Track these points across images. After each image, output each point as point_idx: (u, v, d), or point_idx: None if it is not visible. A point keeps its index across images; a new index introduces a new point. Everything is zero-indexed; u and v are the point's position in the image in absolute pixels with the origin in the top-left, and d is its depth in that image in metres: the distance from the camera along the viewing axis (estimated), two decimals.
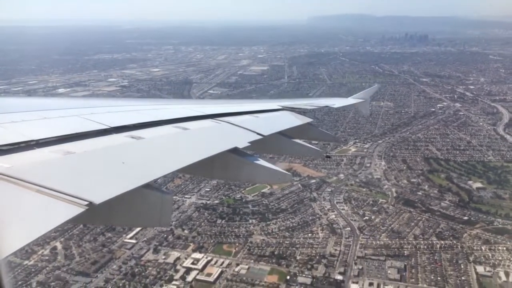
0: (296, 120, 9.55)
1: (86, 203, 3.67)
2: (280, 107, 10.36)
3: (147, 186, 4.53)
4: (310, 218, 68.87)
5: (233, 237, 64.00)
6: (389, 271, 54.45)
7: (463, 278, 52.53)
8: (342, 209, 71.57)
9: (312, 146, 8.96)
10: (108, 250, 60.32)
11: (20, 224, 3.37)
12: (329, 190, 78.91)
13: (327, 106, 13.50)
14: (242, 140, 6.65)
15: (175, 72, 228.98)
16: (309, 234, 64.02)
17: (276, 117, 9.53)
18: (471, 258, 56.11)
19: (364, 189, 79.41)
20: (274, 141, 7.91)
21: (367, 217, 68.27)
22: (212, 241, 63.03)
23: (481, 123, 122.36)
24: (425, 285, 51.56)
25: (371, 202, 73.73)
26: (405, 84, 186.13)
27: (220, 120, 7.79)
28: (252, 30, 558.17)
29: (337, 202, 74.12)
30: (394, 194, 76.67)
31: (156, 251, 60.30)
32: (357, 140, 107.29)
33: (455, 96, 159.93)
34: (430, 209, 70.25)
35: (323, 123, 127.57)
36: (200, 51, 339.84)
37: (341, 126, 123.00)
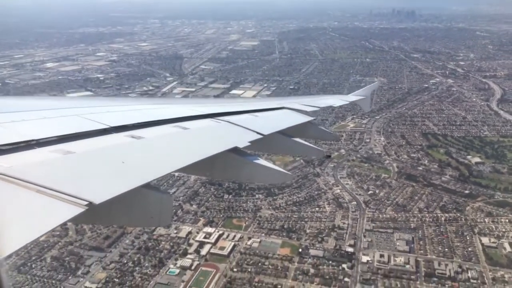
0: (296, 119, 9.47)
1: (86, 203, 3.66)
2: (280, 106, 10.27)
3: (147, 186, 4.54)
4: (316, 193, 69.89)
5: (242, 211, 64.77)
6: (397, 243, 55.99)
7: (469, 249, 54.41)
8: (346, 183, 72.77)
9: (313, 145, 8.91)
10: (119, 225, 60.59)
11: (20, 224, 3.34)
12: (332, 165, 79.86)
13: (330, 106, 13.49)
14: (242, 140, 6.62)
15: (164, 46, 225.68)
16: (316, 208, 65.12)
17: (276, 116, 9.48)
18: (475, 230, 58.00)
19: (366, 164, 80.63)
20: (274, 140, 7.84)
21: (371, 192, 69.60)
22: (221, 215, 63.75)
23: (474, 99, 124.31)
24: (434, 256, 53.27)
25: (374, 177, 75.03)
26: (396, 60, 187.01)
27: (220, 120, 7.73)
28: (236, 4, 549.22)
29: (340, 177, 75.25)
30: (396, 169, 78.05)
31: (167, 225, 60.73)
32: (354, 116, 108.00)
33: (447, 72, 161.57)
34: (432, 183, 71.90)
35: None
36: (188, 25, 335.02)
37: None
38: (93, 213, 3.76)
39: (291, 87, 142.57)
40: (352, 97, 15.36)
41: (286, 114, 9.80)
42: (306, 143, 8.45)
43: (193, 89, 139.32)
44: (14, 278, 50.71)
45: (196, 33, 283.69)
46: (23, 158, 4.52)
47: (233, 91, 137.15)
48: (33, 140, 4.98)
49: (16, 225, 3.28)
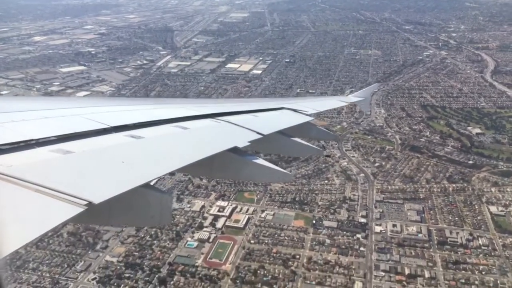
0: (296, 119, 9.48)
1: (86, 202, 3.64)
2: (280, 107, 10.30)
3: (146, 185, 4.54)
4: (323, 166, 70.73)
5: (252, 185, 65.30)
6: (409, 213, 57.41)
7: (478, 217, 56.11)
8: (353, 156, 73.78)
9: (312, 145, 8.99)
10: None
11: (19, 223, 3.32)
12: None
13: (331, 109, 13.52)
14: (242, 140, 6.62)
15: (153, 18, 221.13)
16: (326, 181, 66.11)
17: (275, 116, 9.50)
18: (483, 199, 59.72)
19: (369, 137, 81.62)
20: (274, 140, 7.85)
21: (378, 164, 70.72)
22: (232, 189, 64.29)
23: (468, 71, 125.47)
24: (445, 225, 54.86)
25: (378, 149, 76.14)
26: (389, 32, 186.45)
27: (220, 120, 7.72)
28: None
29: (346, 150, 76.17)
30: (399, 141, 79.21)
31: (179, 200, 61.14)
32: (353, 89, 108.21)
33: (440, 44, 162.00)
34: (436, 154, 73.27)
35: (316, 72, 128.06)
36: None
37: (334, 75, 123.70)
38: (93, 213, 3.75)
39: (286, 60, 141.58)
40: (351, 98, 15.72)
41: (285, 114, 9.86)
42: (305, 143, 8.53)
43: (188, 63, 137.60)
44: (33, 253, 50.97)
45: (184, 5, 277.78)
46: (23, 157, 4.51)
47: (229, 65, 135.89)
48: (32, 140, 4.96)
49: (15, 225, 3.26)
